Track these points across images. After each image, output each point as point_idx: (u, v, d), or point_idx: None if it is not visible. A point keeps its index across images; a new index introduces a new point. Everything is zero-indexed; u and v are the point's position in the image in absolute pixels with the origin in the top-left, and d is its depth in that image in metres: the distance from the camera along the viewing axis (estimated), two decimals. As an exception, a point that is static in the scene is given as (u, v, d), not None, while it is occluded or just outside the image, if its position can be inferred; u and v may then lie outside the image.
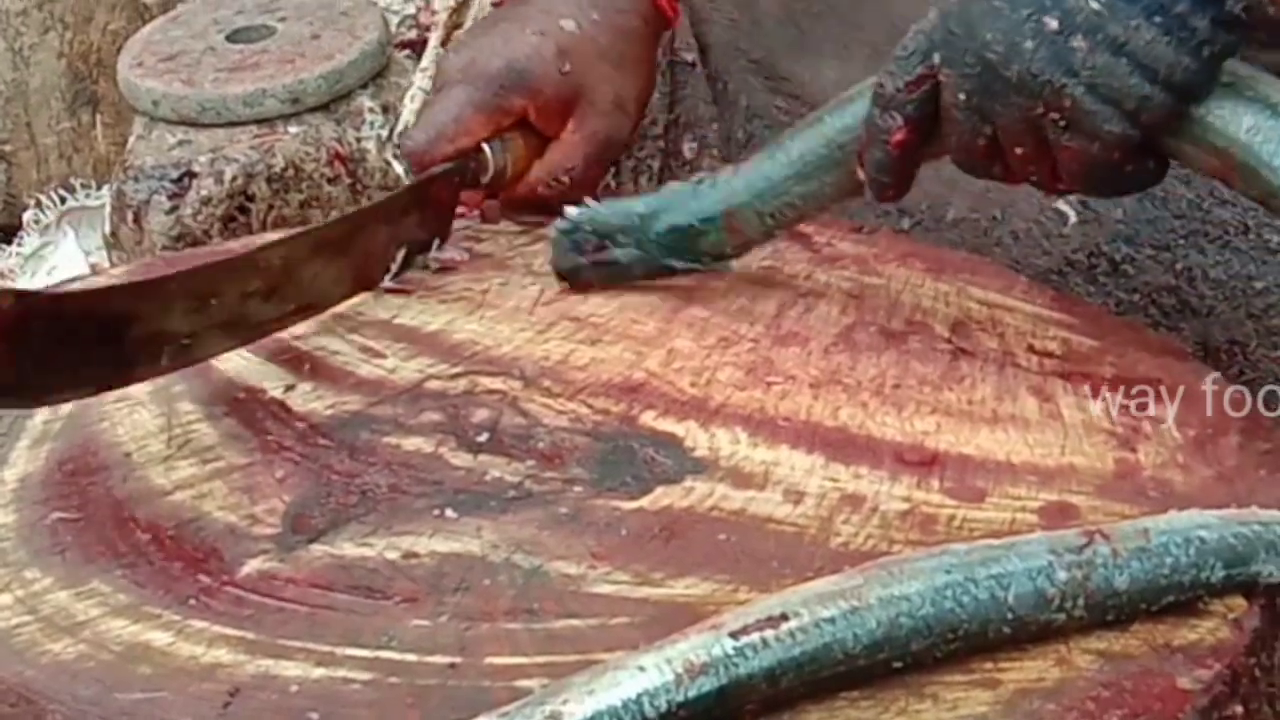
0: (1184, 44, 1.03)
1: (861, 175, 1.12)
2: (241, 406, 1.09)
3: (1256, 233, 1.27)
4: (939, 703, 0.86)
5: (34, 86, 2.51)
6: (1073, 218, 1.30)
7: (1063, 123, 1.04)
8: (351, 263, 1.18)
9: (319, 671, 0.88)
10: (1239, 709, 0.89)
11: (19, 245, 2.33)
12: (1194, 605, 0.92)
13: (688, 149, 1.50)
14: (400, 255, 1.21)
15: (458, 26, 2.02)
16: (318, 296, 1.17)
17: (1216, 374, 1.13)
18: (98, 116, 2.57)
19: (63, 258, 2.30)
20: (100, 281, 1.26)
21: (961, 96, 1.06)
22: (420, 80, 1.94)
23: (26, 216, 2.36)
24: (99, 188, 2.35)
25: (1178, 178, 1.27)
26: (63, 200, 2.36)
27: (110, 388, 1.07)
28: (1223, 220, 1.28)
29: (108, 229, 1.92)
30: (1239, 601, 0.92)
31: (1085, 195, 1.15)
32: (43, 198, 2.38)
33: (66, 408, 1.10)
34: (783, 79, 1.45)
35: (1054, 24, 1.03)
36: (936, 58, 1.07)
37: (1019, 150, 1.06)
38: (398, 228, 1.22)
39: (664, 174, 1.50)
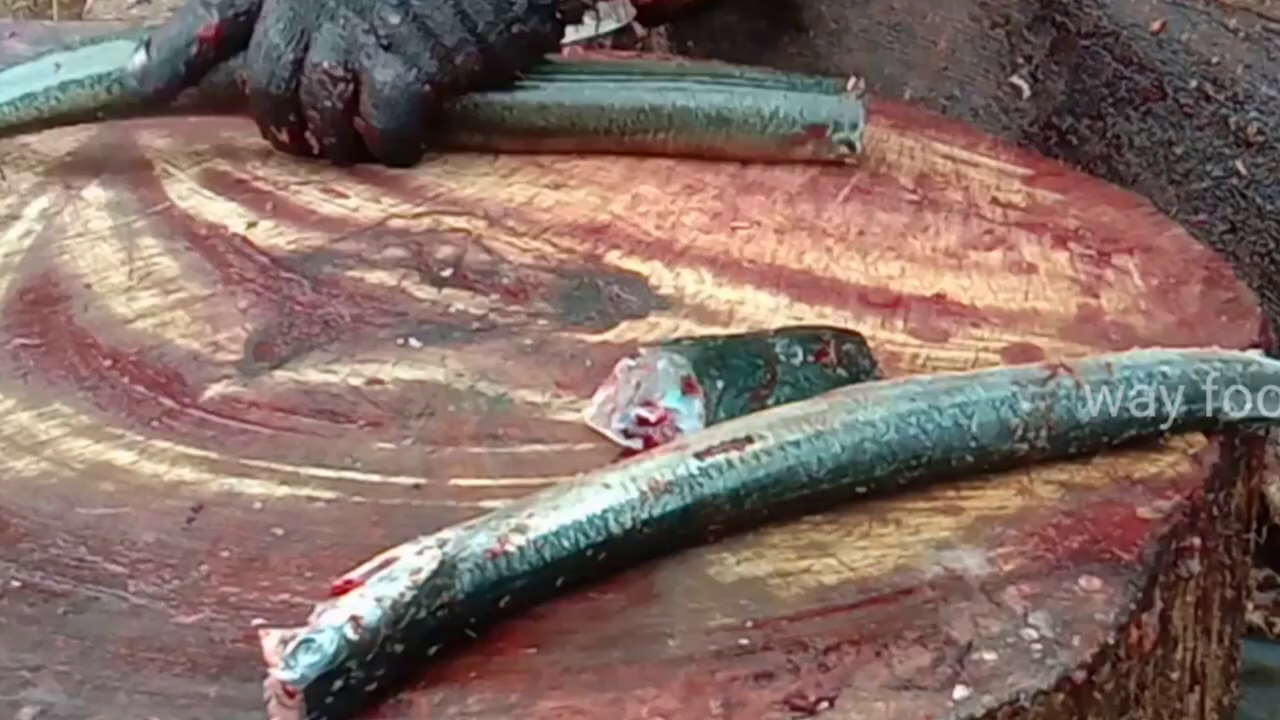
0: (502, 12, 1.11)
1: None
2: (203, 242, 1.09)
3: (1174, 98, 1.28)
4: (901, 527, 0.87)
5: (-11, -39, 2.48)
6: (1027, 91, 1.30)
7: (384, 41, 1.10)
8: None
9: (283, 490, 0.88)
10: (1197, 541, 0.90)
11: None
12: (1155, 440, 0.93)
13: (637, 25, 1.49)
14: None
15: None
16: None
17: (1180, 228, 1.14)
18: (53, -7, 2.54)
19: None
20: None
21: (289, 11, 1.10)
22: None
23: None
24: (54, 66, 2.32)
25: (1104, 45, 1.27)
26: (17, 77, 2.33)
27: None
28: (1143, 87, 1.28)
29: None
30: (1199, 438, 0.93)
31: (375, 138, 1.13)
32: (-3, 75, 2.35)
33: (26, 241, 1.09)
34: None
35: None
36: None
37: (326, 65, 1.09)
38: None
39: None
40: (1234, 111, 1.27)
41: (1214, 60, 1.26)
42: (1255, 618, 1.37)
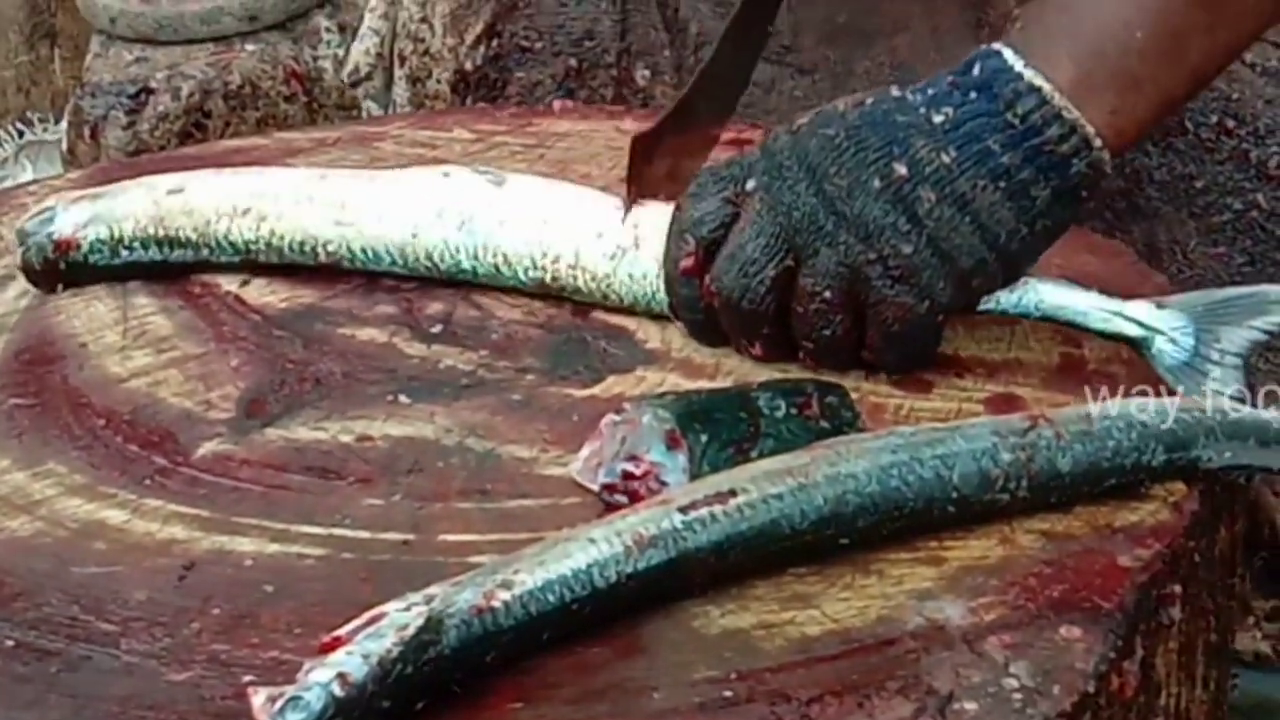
0: (1024, 213, 0.99)
1: (679, 325, 1.06)
2: (196, 300, 1.10)
3: (1195, 133, 1.29)
4: (884, 578, 0.88)
5: (-8, 19, 2.50)
6: None
7: (894, 272, 0.98)
8: None
9: (273, 547, 0.89)
10: (1178, 589, 0.90)
11: (-24, 178, 2.33)
12: (1135, 489, 0.93)
13: (640, 77, 1.50)
14: None
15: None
16: None
17: (1162, 277, 1.15)
18: (56, 50, 2.55)
19: (20, 191, 2.28)
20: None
21: (773, 225, 0.99)
22: (370, 20, 1.94)
23: (-16, 150, 2.35)
24: (57, 122, 2.34)
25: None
26: (20, 134, 2.36)
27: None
28: (1164, 122, 1.29)
29: (65, 146, 1.92)
30: (1179, 486, 0.94)
31: (884, 363, 1.03)
32: (0, 131, 2.37)
33: (23, 300, 1.11)
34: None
35: (903, 170, 0.98)
36: (750, 184, 1.00)
37: (825, 295, 0.99)
38: None
39: (617, 102, 1.51)
40: (1255, 146, 1.28)
41: (1234, 96, 1.27)
42: (1263, 646, 1.37)
